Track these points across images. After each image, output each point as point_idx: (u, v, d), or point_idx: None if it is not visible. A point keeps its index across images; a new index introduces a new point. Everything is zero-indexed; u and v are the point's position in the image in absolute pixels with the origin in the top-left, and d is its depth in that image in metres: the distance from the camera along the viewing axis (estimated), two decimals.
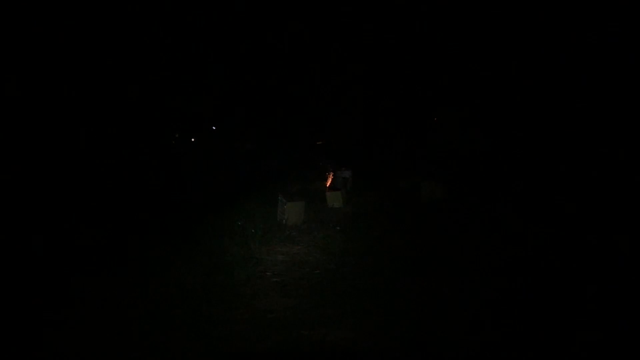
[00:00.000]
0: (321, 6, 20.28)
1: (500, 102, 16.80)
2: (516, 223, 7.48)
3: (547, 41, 14.81)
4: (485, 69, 17.03)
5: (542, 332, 3.73)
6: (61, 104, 16.01)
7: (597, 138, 12.66)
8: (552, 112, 14.83)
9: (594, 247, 5.99)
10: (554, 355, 3.47)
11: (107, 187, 12.02)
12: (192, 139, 27.44)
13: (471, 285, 4.89)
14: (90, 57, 16.93)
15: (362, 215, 8.94)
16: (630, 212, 7.43)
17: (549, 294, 4.52)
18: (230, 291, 4.86)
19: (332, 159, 14.96)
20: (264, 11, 20.27)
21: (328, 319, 4.12)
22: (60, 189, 11.21)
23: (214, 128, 28.00)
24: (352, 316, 4.17)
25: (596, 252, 5.80)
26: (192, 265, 5.66)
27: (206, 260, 5.92)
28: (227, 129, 27.04)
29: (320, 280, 5.24)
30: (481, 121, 17.78)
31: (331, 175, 11.65)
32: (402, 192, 11.18)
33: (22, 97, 14.56)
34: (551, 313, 4.08)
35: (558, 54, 14.63)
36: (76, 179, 12.78)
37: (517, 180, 11.08)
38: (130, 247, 6.50)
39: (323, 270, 5.61)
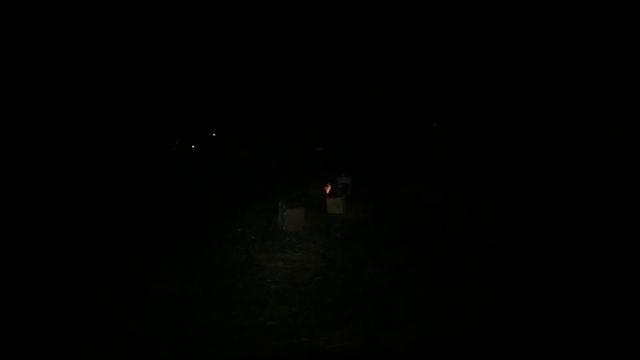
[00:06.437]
0: (323, 10, 20.39)
1: (499, 106, 16.85)
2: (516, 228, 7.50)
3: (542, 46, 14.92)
4: (484, 75, 17.10)
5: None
6: (61, 107, 16.06)
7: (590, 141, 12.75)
8: (550, 116, 14.90)
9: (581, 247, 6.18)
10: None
11: (107, 193, 12.01)
12: (192, 146, 27.46)
13: (473, 292, 4.88)
14: (91, 62, 17.01)
15: (362, 222, 8.93)
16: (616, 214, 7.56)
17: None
18: (230, 299, 4.85)
19: (332, 165, 14.97)
20: (264, 16, 20.37)
21: (329, 326, 4.11)
22: (61, 194, 11.21)
23: (214, 135, 28.04)
24: (353, 323, 4.16)
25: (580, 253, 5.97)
26: (192, 273, 5.66)
27: (206, 267, 5.91)
28: (227, 136, 27.09)
29: (320, 287, 5.23)
30: (479, 127, 17.82)
31: (331, 182, 11.64)
32: (402, 199, 11.18)
33: (23, 100, 14.63)
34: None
35: (555, 58, 14.72)
36: (75, 183, 12.78)
37: (515, 184, 11.13)
38: (129, 255, 6.49)
39: (323, 277, 5.59)
